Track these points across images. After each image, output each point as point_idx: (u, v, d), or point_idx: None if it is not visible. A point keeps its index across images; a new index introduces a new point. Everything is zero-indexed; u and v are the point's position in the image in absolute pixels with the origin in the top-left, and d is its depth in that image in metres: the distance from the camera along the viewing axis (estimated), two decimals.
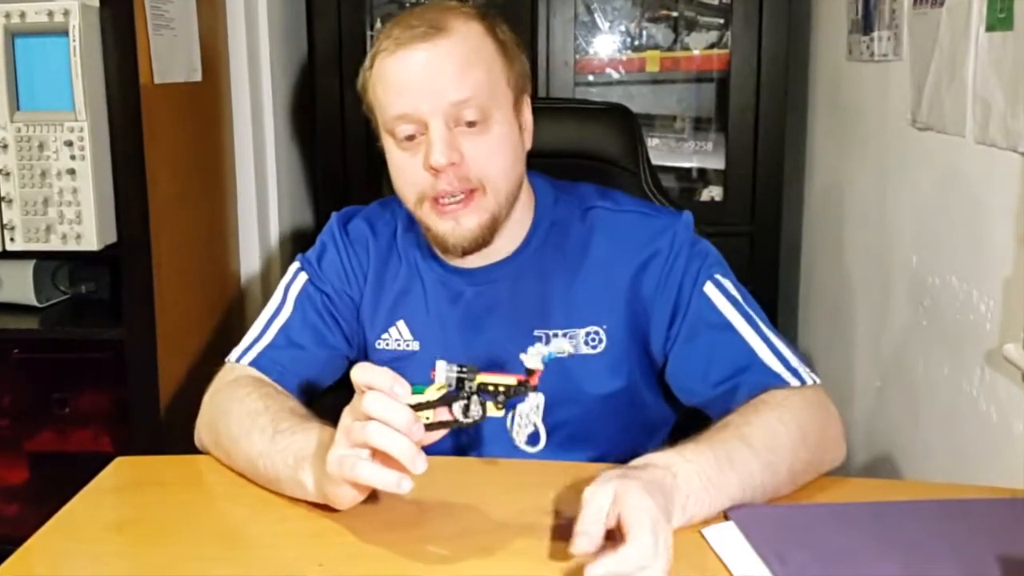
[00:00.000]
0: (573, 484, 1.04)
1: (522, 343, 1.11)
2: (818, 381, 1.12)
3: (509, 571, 0.89)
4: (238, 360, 1.23)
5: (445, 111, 1.10)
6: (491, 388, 0.92)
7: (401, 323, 1.24)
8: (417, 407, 0.90)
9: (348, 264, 1.27)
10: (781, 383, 1.09)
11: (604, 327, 1.19)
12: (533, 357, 0.93)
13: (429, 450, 0.99)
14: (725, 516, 0.96)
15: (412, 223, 1.25)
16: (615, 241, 1.20)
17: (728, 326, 1.14)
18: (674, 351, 1.17)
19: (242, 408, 1.11)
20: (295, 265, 1.29)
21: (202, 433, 1.18)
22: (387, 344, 1.25)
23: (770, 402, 1.05)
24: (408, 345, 1.23)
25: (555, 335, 1.18)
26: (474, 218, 1.13)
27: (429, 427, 0.92)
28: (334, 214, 1.33)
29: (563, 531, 0.95)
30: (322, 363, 1.24)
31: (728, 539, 0.92)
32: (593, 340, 1.19)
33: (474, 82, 1.10)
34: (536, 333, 1.18)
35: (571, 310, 1.19)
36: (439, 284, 1.23)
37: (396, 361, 1.22)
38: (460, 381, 0.92)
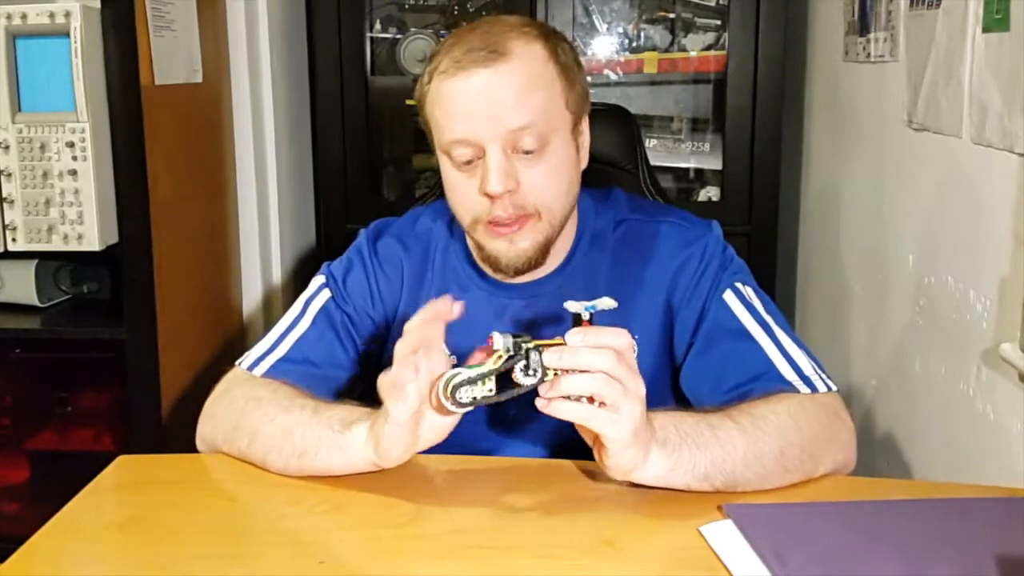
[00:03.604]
0: (572, 482, 1.05)
1: None
2: (833, 388, 1.12)
3: (508, 568, 0.90)
4: (250, 368, 1.21)
5: (503, 137, 1.08)
6: (545, 350, 0.92)
7: None
8: (487, 375, 0.91)
9: (375, 285, 1.26)
10: (791, 390, 1.10)
11: (636, 337, 1.19)
12: (576, 304, 0.93)
13: (431, 448, 1.00)
14: (724, 515, 0.96)
15: (455, 235, 1.26)
16: (647, 253, 1.21)
17: (744, 333, 1.15)
18: (690, 357, 1.18)
19: (276, 395, 1.11)
20: (319, 279, 1.28)
21: (210, 427, 1.16)
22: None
23: (768, 399, 1.06)
24: None
25: None
26: (528, 241, 1.13)
27: (496, 399, 0.92)
28: (363, 231, 1.31)
29: (562, 529, 0.96)
30: (332, 382, 1.22)
31: (727, 538, 0.92)
32: None
33: (534, 109, 1.09)
34: None
35: (608, 321, 1.19)
36: (485, 298, 1.22)
37: None
38: (517, 345, 0.91)
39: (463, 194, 1.13)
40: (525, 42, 1.11)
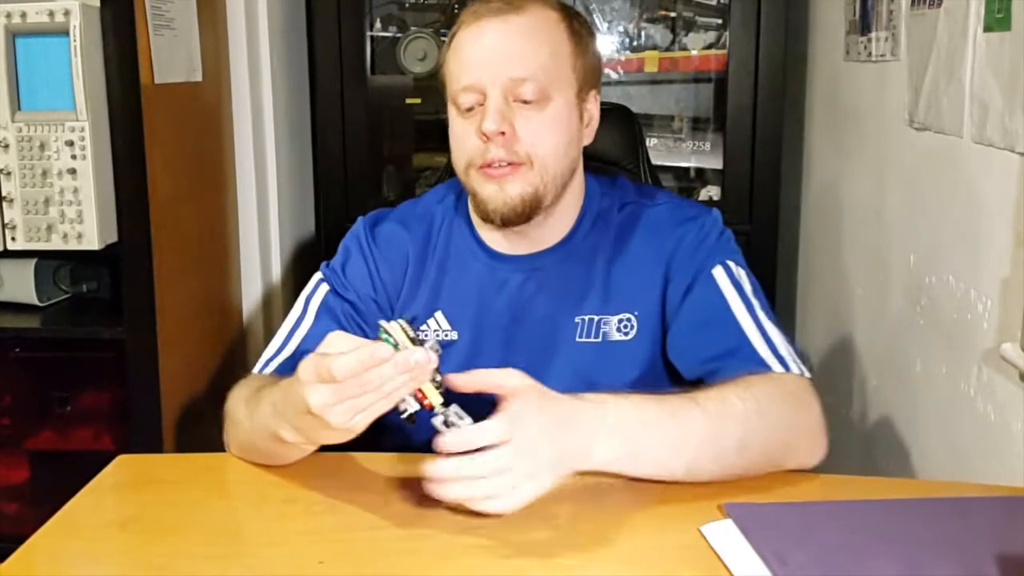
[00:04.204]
0: (572, 481, 1.04)
1: (565, 328, 1.21)
2: (806, 374, 1.12)
3: (508, 567, 0.90)
4: (260, 371, 1.22)
5: (504, 84, 1.14)
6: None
7: (439, 314, 1.26)
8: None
9: (374, 270, 1.27)
10: (764, 368, 1.11)
11: (636, 314, 1.23)
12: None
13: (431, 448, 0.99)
14: (724, 514, 0.96)
15: (460, 209, 1.28)
16: (648, 232, 1.25)
17: (726, 309, 1.17)
18: (674, 325, 1.20)
19: (260, 387, 1.11)
20: (317, 276, 1.29)
21: (226, 438, 1.17)
22: (426, 336, 1.25)
23: (739, 381, 1.06)
24: (447, 335, 1.25)
25: (592, 320, 1.22)
26: (517, 187, 1.16)
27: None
28: (360, 218, 1.33)
29: (562, 529, 0.96)
30: None
31: (727, 538, 0.92)
32: (625, 327, 1.22)
33: (537, 62, 1.15)
34: (577, 320, 1.22)
35: (607, 297, 1.23)
36: (486, 271, 1.25)
37: None
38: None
39: (462, 138, 1.18)
40: (541, 6, 1.18)
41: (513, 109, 1.15)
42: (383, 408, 0.90)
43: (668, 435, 0.98)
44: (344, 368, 0.87)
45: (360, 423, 0.91)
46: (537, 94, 1.15)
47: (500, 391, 0.92)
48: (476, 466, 0.89)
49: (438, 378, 0.92)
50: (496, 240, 1.25)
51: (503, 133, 1.13)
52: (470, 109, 1.16)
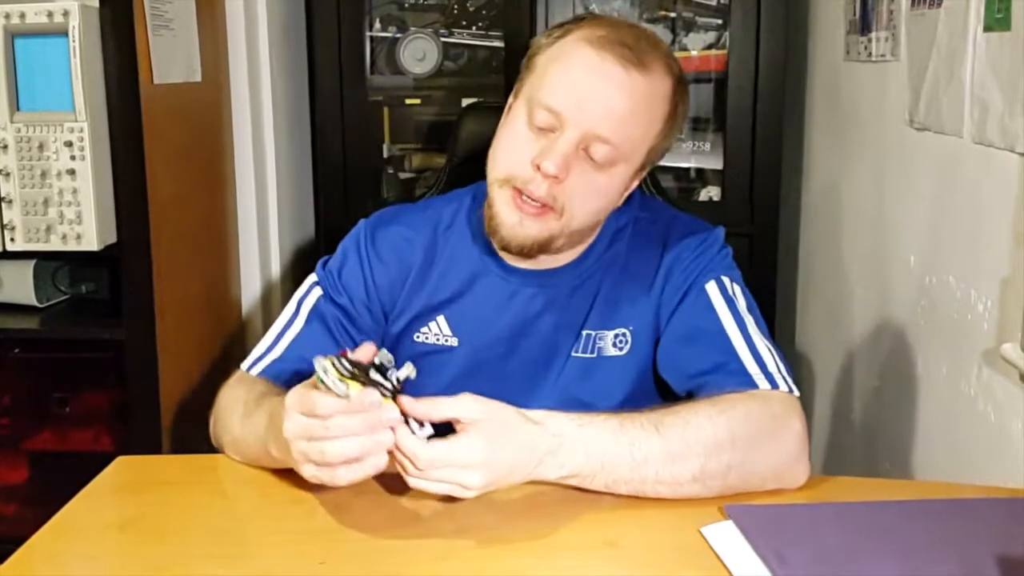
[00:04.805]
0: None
1: (564, 343, 1.20)
2: (795, 392, 1.10)
3: (508, 568, 0.90)
4: (249, 370, 1.22)
5: (585, 133, 1.10)
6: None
7: (441, 319, 1.24)
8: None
9: (370, 275, 1.26)
10: (751, 385, 1.09)
11: (631, 328, 1.21)
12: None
13: None
14: (724, 515, 0.96)
15: (473, 219, 1.26)
16: (649, 247, 1.23)
17: (716, 323, 1.16)
18: (663, 338, 1.20)
19: (251, 392, 1.14)
20: (311, 278, 1.28)
21: (212, 429, 1.19)
22: (426, 338, 1.25)
23: (718, 401, 1.04)
24: (447, 340, 1.24)
25: (589, 335, 1.21)
26: (536, 228, 1.13)
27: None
28: (362, 221, 1.30)
29: (562, 529, 0.96)
30: None
31: (727, 538, 0.92)
32: (620, 342, 1.21)
33: (627, 132, 1.12)
34: (582, 334, 1.21)
35: (607, 312, 1.22)
36: (497, 282, 1.24)
37: (432, 355, 1.23)
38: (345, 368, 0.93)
39: (515, 151, 1.13)
40: (665, 71, 1.15)
41: (577, 157, 1.11)
42: (339, 475, 0.91)
43: (615, 464, 0.98)
44: (325, 406, 0.90)
45: (307, 473, 0.93)
46: (607, 160, 1.11)
47: (456, 420, 0.94)
48: (456, 452, 0.92)
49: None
50: (509, 254, 1.22)
51: (556, 177, 1.10)
52: (541, 129, 1.12)
